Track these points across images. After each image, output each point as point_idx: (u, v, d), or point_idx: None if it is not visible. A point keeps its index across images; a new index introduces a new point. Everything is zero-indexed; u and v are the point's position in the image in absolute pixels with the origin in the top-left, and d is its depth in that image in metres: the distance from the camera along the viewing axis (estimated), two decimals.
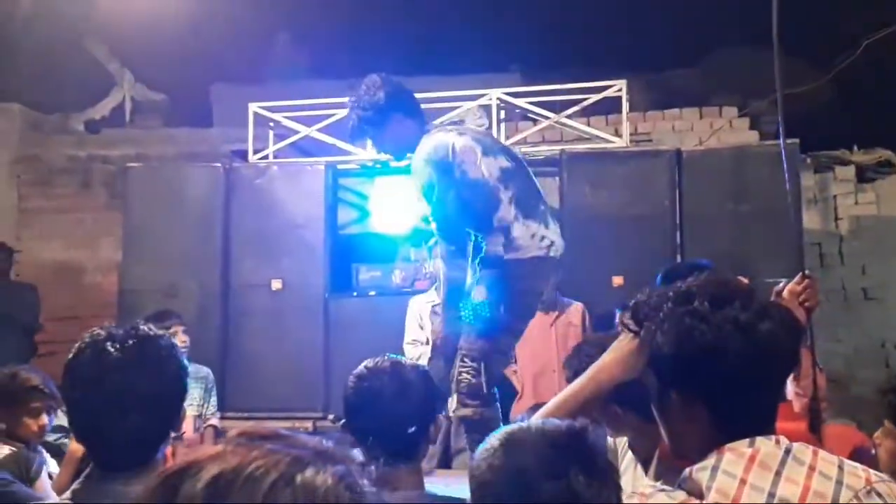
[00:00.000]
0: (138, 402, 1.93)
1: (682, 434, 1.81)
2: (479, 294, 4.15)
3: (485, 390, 4.16)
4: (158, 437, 1.98)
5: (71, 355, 2.01)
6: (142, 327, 2.04)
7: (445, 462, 5.87)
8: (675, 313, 1.78)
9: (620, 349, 2.06)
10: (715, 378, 1.74)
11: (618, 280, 6.46)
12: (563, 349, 5.93)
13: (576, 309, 6.10)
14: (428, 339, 5.58)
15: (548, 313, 5.97)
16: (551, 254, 4.23)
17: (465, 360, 4.18)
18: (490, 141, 4.45)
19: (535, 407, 2.41)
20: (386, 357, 2.66)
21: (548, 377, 5.92)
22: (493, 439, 1.80)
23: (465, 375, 4.15)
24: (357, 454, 2.33)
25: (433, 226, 4.23)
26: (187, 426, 5.88)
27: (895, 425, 3.33)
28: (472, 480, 1.78)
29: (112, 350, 1.96)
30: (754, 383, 1.76)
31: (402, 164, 4.66)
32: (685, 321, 1.76)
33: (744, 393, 1.74)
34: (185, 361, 2.09)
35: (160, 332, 2.08)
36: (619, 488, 1.79)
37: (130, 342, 1.98)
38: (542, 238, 4.21)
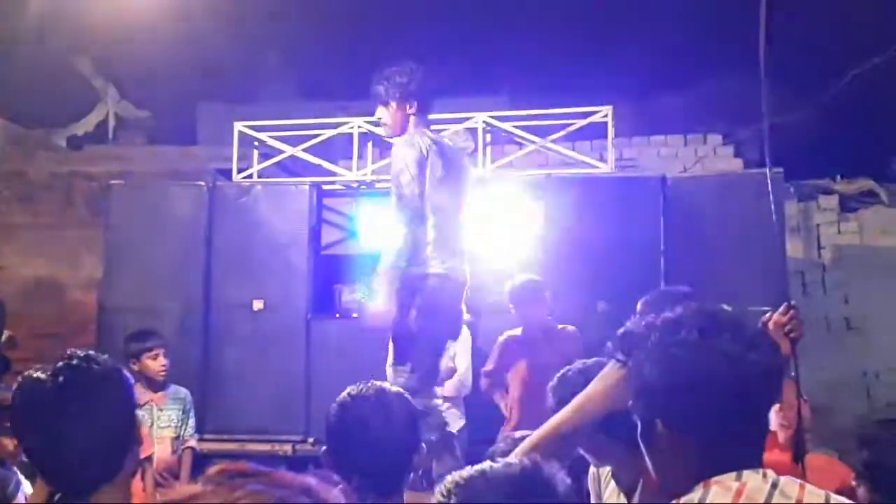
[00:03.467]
0: (80, 426, 1.99)
1: (669, 466, 1.78)
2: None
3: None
4: (114, 454, 2.04)
5: (10, 395, 2.07)
6: (77, 352, 2.09)
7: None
8: (662, 343, 1.75)
9: (608, 379, 2.03)
10: (702, 410, 1.71)
11: (602, 305, 6.45)
12: (553, 375, 5.88)
13: (567, 334, 6.03)
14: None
15: (539, 338, 5.93)
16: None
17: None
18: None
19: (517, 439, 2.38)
20: (370, 384, 2.62)
21: (536, 403, 5.85)
22: (448, 493, 1.75)
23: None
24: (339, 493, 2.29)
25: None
26: (165, 448, 5.80)
27: (869, 481, 3.33)
28: None
29: (44, 381, 2.02)
30: (742, 415, 1.73)
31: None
32: (672, 351, 1.73)
33: (732, 425, 1.72)
34: (128, 378, 2.13)
35: (98, 354, 2.12)
36: None
37: (61, 369, 2.03)
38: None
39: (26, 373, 2.07)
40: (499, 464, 1.76)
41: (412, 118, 4.81)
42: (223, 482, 0.86)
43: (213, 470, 0.89)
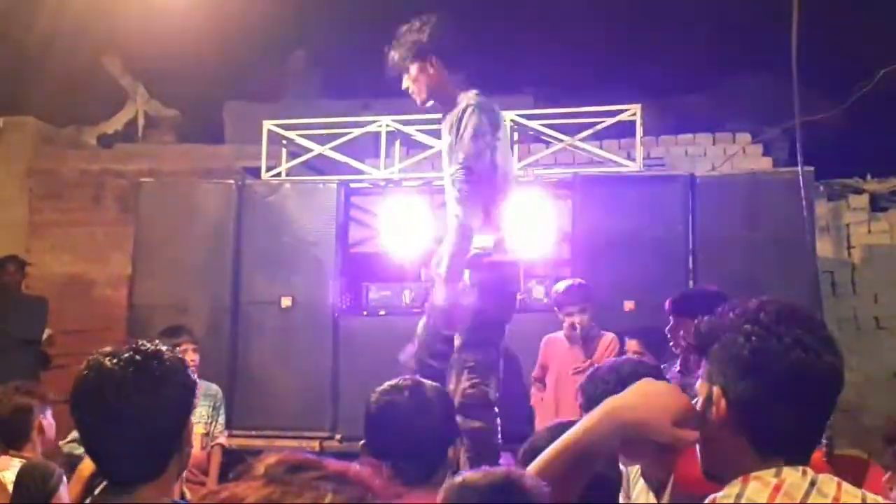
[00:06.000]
0: (138, 418, 1.99)
1: (720, 447, 1.76)
2: (470, 297, 4.22)
3: (492, 398, 4.16)
4: (164, 452, 2.04)
5: (78, 373, 2.07)
6: (146, 345, 2.09)
7: None
8: (738, 321, 1.74)
9: (599, 421, 1.87)
10: (769, 391, 1.69)
11: (629, 304, 6.42)
12: None
13: (605, 340, 5.93)
14: None
15: (578, 343, 5.88)
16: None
17: (470, 372, 4.17)
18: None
19: (558, 424, 2.35)
20: (407, 378, 2.66)
21: (573, 406, 5.79)
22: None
23: (471, 388, 4.13)
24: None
25: (461, 172, 4.21)
26: (195, 444, 5.84)
27: None
28: None
29: (111, 367, 2.02)
30: (808, 409, 1.72)
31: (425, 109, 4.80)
32: (748, 328, 1.72)
33: (793, 414, 1.70)
34: (192, 378, 2.13)
35: (167, 349, 2.13)
36: None
37: (130, 359, 2.03)
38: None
39: (95, 356, 2.07)
40: (479, 472, 1.79)
41: (447, 77, 4.32)
42: (289, 479, 0.85)
43: (271, 461, 0.88)
